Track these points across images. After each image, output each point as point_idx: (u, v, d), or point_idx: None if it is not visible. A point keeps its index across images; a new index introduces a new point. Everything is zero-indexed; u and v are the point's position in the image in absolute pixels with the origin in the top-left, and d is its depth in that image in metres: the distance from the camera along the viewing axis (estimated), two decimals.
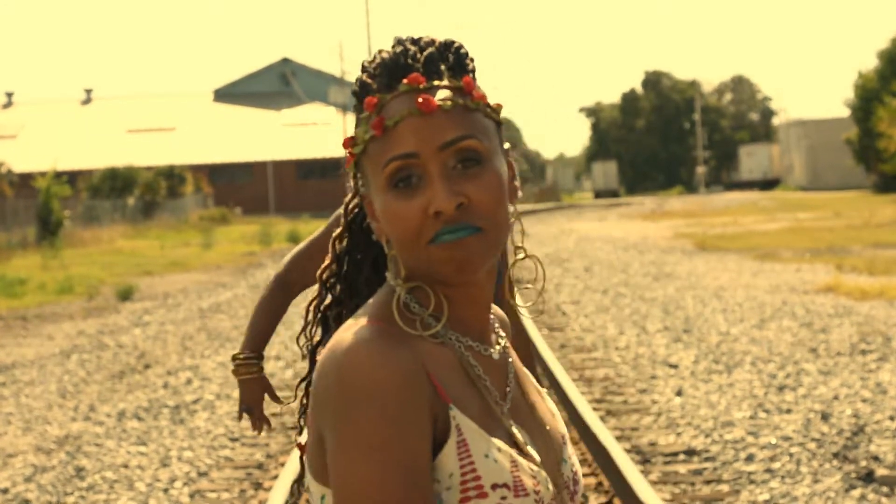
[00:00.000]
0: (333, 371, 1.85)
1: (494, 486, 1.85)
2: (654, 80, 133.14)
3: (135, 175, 61.40)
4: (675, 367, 12.92)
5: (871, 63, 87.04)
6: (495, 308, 2.12)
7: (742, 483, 8.36)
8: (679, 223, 46.76)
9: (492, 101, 1.98)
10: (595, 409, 10.74)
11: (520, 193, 2.02)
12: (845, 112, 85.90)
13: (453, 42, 2.01)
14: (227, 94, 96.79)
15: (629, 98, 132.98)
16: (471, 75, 1.99)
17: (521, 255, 2.08)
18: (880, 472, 8.40)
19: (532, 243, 37.61)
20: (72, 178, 56.77)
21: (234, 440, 10.47)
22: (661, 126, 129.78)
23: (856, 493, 7.99)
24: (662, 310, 17.68)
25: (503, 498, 1.85)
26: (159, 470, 9.51)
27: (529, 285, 2.14)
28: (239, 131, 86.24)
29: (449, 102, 1.92)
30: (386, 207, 1.92)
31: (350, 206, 2.07)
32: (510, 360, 2.03)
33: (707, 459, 9.04)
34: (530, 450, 1.93)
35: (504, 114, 2.03)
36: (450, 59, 1.98)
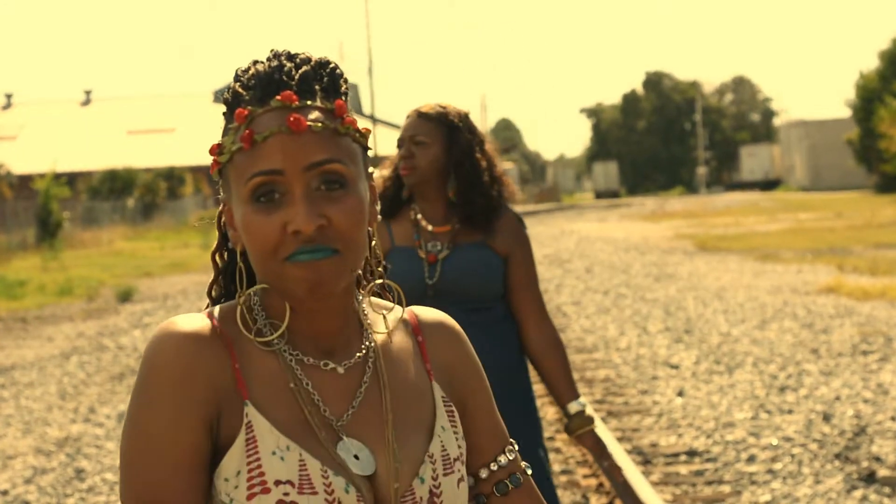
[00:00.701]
0: (146, 346, 1.95)
1: (277, 483, 1.90)
2: (654, 81, 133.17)
3: (134, 176, 61.39)
4: (676, 367, 12.90)
5: (872, 63, 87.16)
6: (439, 320, 2.16)
7: (743, 484, 8.34)
8: (680, 224, 46.75)
9: (363, 125, 2.01)
10: (596, 409, 10.72)
11: (379, 217, 2.09)
12: (846, 112, 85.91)
13: (329, 62, 2.03)
14: None
15: (630, 99, 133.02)
16: (343, 98, 2.02)
17: (378, 280, 2.13)
18: (882, 472, 8.38)
19: (533, 244, 37.58)
20: (71, 179, 56.79)
21: None
22: (662, 127, 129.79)
23: (857, 493, 7.97)
24: (663, 310, 17.66)
25: (286, 494, 1.89)
26: None
27: (384, 311, 2.14)
28: None
29: (319, 125, 1.95)
30: (245, 220, 1.95)
31: (223, 218, 2.08)
32: (368, 372, 2.04)
33: (708, 460, 9.02)
34: (351, 459, 1.95)
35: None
36: (324, 80, 2.01)
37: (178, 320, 1.96)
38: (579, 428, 4.58)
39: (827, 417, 10.07)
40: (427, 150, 4.68)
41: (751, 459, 8.94)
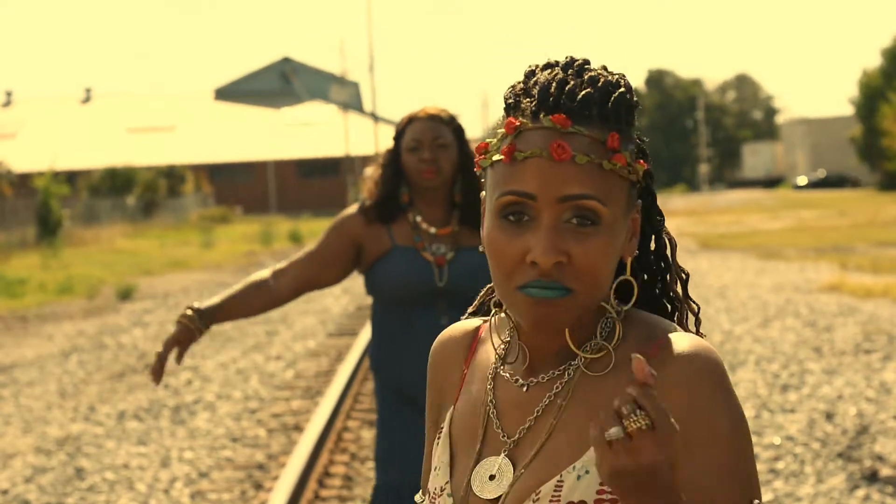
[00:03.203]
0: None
1: (426, 492, 2.05)
2: (656, 79, 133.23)
3: (135, 174, 61.38)
4: None
5: (875, 61, 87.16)
6: (687, 356, 1.87)
7: None
8: (682, 222, 46.73)
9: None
10: None
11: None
12: (849, 110, 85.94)
13: (620, 86, 1.92)
14: (227, 93, 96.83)
15: None
16: (623, 128, 1.91)
17: (609, 313, 1.94)
18: (885, 471, 8.35)
19: None
20: (71, 177, 56.85)
21: (234, 440, 10.42)
22: (664, 124, 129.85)
23: (860, 492, 7.94)
24: None
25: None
26: (159, 470, 9.46)
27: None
28: (239, 130, 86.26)
29: (584, 157, 1.85)
30: (490, 235, 1.89)
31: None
32: (548, 399, 1.92)
33: None
34: (484, 478, 1.92)
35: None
36: (608, 106, 1.89)
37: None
38: None
39: (829, 416, 10.04)
40: (449, 153, 4.72)
41: None
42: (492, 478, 1.90)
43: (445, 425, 1.98)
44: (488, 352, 2.01)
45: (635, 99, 1.94)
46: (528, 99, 1.90)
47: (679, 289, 2.03)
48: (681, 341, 1.88)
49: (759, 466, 8.70)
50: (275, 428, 10.87)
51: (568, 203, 1.84)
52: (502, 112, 1.94)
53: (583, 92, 1.88)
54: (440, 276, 4.66)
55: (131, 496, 8.79)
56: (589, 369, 1.92)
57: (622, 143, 1.89)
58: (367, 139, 79.23)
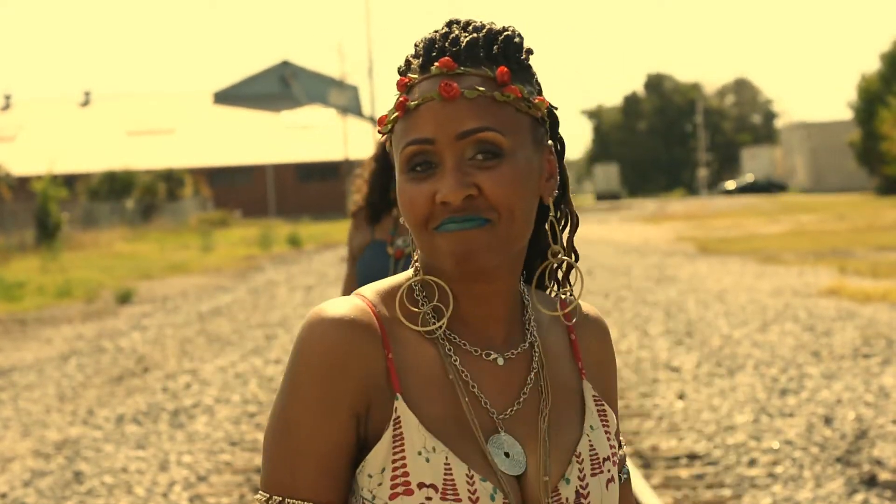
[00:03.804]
0: (300, 331, 1.89)
1: (421, 485, 1.83)
2: (655, 83, 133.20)
3: (134, 177, 61.39)
4: (677, 370, 12.87)
5: (873, 65, 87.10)
6: (593, 315, 2.08)
7: (744, 487, 8.30)
8: (681, 226, 46.72)
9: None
10: None
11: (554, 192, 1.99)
12: (848, 114, 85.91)
13: (505, 30, 1.95)
14: (226, 97, 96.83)
15: (631, 100, 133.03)
16: (514, 66, 1.93)
17: (557, 258, 2.02)
18: (883, 476, 8.35)
19: None
20: (70, 180, 56.81)
21: (233, 444, 10.41)
22: (663, 128, 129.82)
23: (859, 497, 7.94)
24: (664, 313, 17.63)
25: (428, 498, 1.82)
26: (158, 474, 9.46)
27: (564, 293, 2.07)
28: (239, 134, 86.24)
29: (473, 91, 1.87)
30: (401, 189, 1.90)
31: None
32: (534, 369, 1.96)
33: (709, 464, 8.98)
34: (500, 456, 1.88)
35: None
36: (494, 48, 1.92)
37: (330, 305, 1.88)
38: None
39: (828, 421, 10.04)
40: None
41: (752, 463, 8.90)
42: (507, 455, 1.89)
43: (403, 415, 1.85)
44: (407, 332, 1.91)
45: (525, 44, 1.96)
46: (416, 59, 1.93)
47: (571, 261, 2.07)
48: (580, 303, 2.07)
49: (758, 471, 8.70)
50: None
51: (467, 139, 1.86)
52: (404, 66, 1.97)
53: (468, 38, 1.92)
54: (395, 269, 4.72)
55: (130, 500, 8.79)
56: (548, 329, 2.01)
57: (514, 78, 1.92)
58: (367, 143, 79.23)
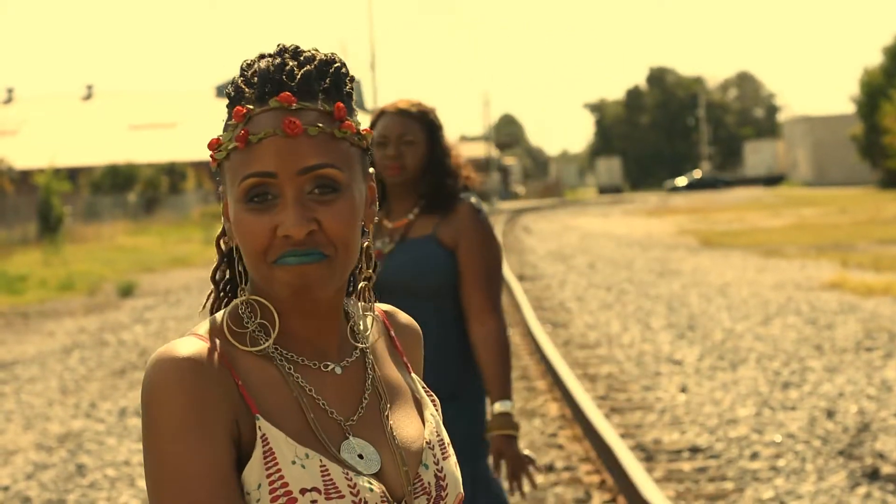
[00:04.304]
0: (144, 382, 1.90)
1: (303, 491, 1.87)
2: (658, 77, 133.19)
3: (136, 171, 61.40)
4: (679, 363, 12.87)
5: (876, 59, 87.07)
6: (407, 320, 2.20)
7: (746, 481, 8.30)
8: (683, 219, 46.72)
9: (366, 125, 2.00)
10: (599, 406, 10.68)
11: (376, 218, 2.05)
12: (851, 108, 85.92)
13: (334, 61, 2.01)
14: None
15: (633, 94, 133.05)
16: (345, 99, 2.01)
17: (364, 282, 2.09)
18: (886, 469, 8.35)
19: (535, 240, 37.58)
20: (73, 174, 56.79)
21: None
22: (666, 122, 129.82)
23: (861, 490, 7.93)
24: (667, 306, 17.63)
25: (314, 501, 1.87)
26: None
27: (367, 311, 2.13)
28: None
29: (315, 129, 1.94)
30: (238, 219, 1.94)
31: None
32: (370, 374, 2.05)
33: (711, 457, 8.98)
34: (355, 459, 1.95)
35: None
36: (327, 80, 1.99)
37: (171, 350, 1.91)
38: (497, 429, 4.54)
39: (830, 414, 10.04)
40: (416, 149, 4.63)
41: (754, 456, 8.90)
42: (360, 457, 1.95)
43: (269, 432, 1.90)
44: (246, 356, 1.96)
45: (350, 73, 2.04)
46: (250, 89, 1.97)
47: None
48: (393, 310, 2.20)
49: (761, 464, 8.70)
50: None
51: (308, 175, 1.92)
52: (226, 108, 2.00)
53: (302, 70, 1.97)
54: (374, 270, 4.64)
55: (132, 493, 8.79)
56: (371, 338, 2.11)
57: (348, 112, 2.00)
58: None
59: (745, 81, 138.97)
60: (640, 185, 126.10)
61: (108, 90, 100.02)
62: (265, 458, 1.88)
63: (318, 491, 1.87)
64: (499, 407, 4.54)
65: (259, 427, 1.90)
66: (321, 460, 1.90)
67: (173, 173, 64.95)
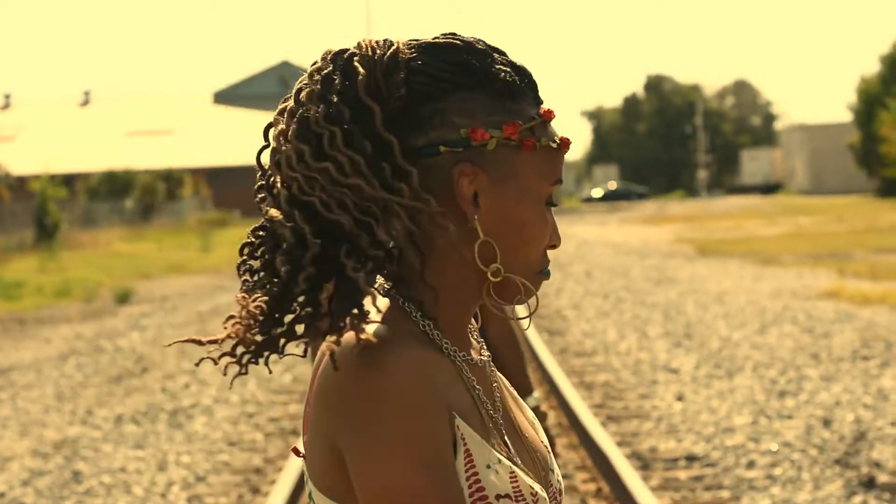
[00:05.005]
0: (352, 375, 1.77)
1: (498, 497, 1.79)
2: (655, 84, 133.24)
3: (133, 177, 61.39)
4: (675, 372, 12.87)
5: (873, 67, 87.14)
6: None
7: (743, 489, 8.30)
8: (680, 228, 46.72)
9: None
10: (595, 414, 10.68)
11: None
12: (848, 116, 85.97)
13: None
14: (226, 97, 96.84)
15: (630, 101, 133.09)
16: None
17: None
18: (882, 478, 8.35)
19: None
20: (70, 180, 56.74)
21: (231, 445, 10.41)
22: (663, 130, 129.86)
23: (857, 499, 7.94)
24: (663, 315, 17.62)
25: None
26: (157, 474, 9.45)
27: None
28: (238, 134, 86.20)
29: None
30: (533, 219, 1.88)
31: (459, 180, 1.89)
32: (491, 366, 1.97)
33: (708, 465, 8.98)
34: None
35: None
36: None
37: (386, 339, 1.78)
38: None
39: (827, 423, 10.03)
40: None
41: (750, 465, 8.90)
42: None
43: (465, 432, 1.80)
44: (428, 351, 1.84)
45: None
46: (532, 92, 1.93)
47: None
48: None
49: (757, 472, 8.71)
50: (272, 432, 10.87)
51: None
52: (504, 86, 1.90)
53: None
54: None
55: (128, 500, 8.78)
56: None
57: None
58: None
59: (742, 89, 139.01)
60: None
61: (105, 96, 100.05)
62: (465, 459, 1.79)
63: (511, 498, 1.80)
64: (531, 402, 4.60)
65: (457, 426, 1.80)
66: (511, 466, 1.82)
67: (170, 180, 64.93)
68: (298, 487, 8.36)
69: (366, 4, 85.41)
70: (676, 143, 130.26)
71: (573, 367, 13.46)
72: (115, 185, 60.39)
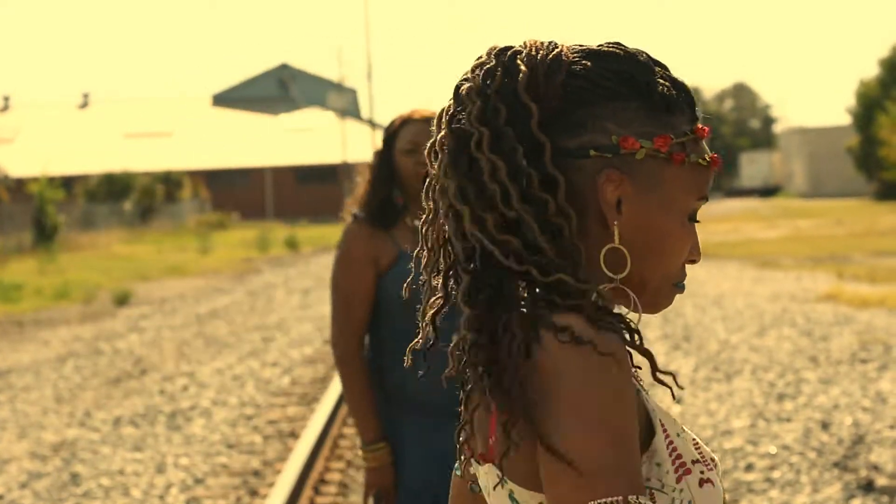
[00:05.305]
0: (569, 359, 1.80)
1: (694, 462, 1.89)
2: None
3: (132, 180, 61.40)
4: (674, 375, 12.86)
5: (872, 71, 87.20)
6: None
7: (741, 492, 8.30)
8: None
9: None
10: None
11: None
12: (847, 120, 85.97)
13: None
14: (225, 99, 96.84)
15: None
16: None
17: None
18: (880, 481, 8.35)
19: None
20: (69, 182, 56.77)
21: (230, 447, 10.41)
22: None
23: (856, 502, 7.94)
24: (662, 317, 17.62)
25: (701, 472, 1.89)
26: (155, 476, 9.45)
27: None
28: (237, 136, 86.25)
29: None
30: (677, 233, 1.95)
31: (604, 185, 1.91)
32: None
33: None
34: None
35: None
36: None
37: (579, 322, 1.81)
38: None
39: (825, 426, 10.03)
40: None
41: (749, 468, 8.90)
42: None
43: (653, 405, 1.92)
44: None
45: None
46: (690, 108, 1.99)
47: None
48: None
49: (755, 475, 8.71)
50: (270, 434, 10.87)
51: None
52: (661, 99, 1.95)
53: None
54: None
55: (126, 502, 8.78)
56: None
57: None
58: (365, 146, 79.22)
59: (741, 92, 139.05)
60: None
61: (104, 98, 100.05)
62: (663, 429, 1.89)
63: (701, 462, 1.90)
64: None
65: (646, 399, 1.91)
66: (691, 434, 1.93)
67: (169, 182, 64.93)
68: (296, 490, 8.36)
69: (364, 7, 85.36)
70: None
71: None
72: (113, 188, 60.40)
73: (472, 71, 1.91)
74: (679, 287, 1.95)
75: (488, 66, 1.90)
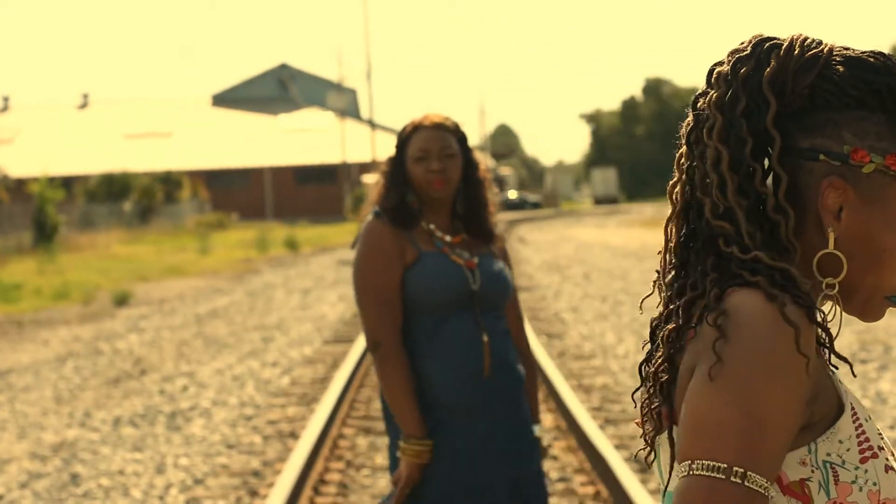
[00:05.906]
0: (755, 316, 1.87)
1: (881, 448, 1.91)
2: (654, 87, 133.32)
3: (131, 180, 61.41)
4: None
5: None
6: None
7: None
8: None
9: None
10: (594, 417, 10.68)
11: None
12: None
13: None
14: (225, 99, 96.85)
15: (629, 105, 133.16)
16: None
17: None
18: None
19: (531, 250, 37.56)
20: (68, 182, 56.75)
21: (230, 447, 10.41)
22: (662, 133, 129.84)
23: None
24: None
25: (887, 459, 1.90)
26: (155, 477, 9.45)
27: None
28: (237, 136, 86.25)
29: None
30: (893, 249, 1.94)
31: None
32: None
33: None
34: None
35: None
36: None
37: (788, 309, 1.92)
38: None
39: None
40: (456, 162, 4.67)
41: None
42: None
43: (845, 389, 1.95)
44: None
45: None
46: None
47: None
48: None
49: None
50: (270, 435, 10.86)
51: None
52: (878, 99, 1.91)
53: None
54: (473, 279, 4.62)
55: (126, 502, 8.78)
56: None
57: None
58: (364, 146, 79.23)
59: None
60: (635, 195, 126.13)
61: (103, 99, 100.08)
62: (852, 412, 1.91)
63: (885, 450, 1.92)
64: (538, 431, 4.71)
65: (839, 381, 1.96)
66: (874, 422, 1.95)
67: (169, 182, 64.93)
68: (296, 490, 8.35)
69: (364, 7, 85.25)
70: (675, 146, 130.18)
71: (571, 370, 13.46)
72: (113, 188, 60.42)
73: (728, 56, 1.95)
74: (892, 300, 1.97)
75: (743, 54, 1.92)
